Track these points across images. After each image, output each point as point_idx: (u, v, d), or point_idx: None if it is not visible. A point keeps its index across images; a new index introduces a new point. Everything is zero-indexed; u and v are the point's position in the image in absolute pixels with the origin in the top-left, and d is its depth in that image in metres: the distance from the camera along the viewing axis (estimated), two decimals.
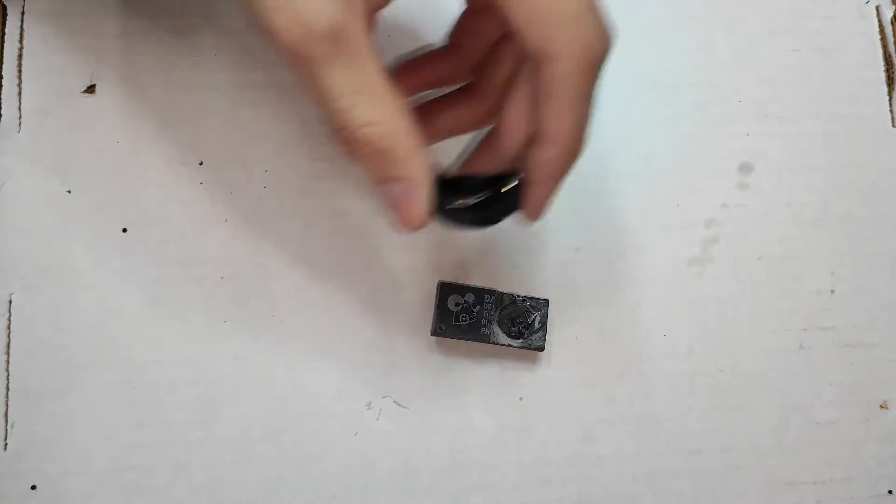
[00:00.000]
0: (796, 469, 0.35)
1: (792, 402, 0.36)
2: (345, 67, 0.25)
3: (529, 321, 0.33)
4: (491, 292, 0.34)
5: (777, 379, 0.36)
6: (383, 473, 0.34)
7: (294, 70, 0.25)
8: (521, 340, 0.33)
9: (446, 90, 0.32)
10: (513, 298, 0.34)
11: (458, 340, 0.34)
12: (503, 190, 0.28)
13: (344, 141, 0.26)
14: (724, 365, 0.36)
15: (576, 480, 0.35)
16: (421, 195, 0.26)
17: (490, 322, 0.33)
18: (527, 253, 0.36)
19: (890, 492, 0.36)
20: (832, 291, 0.37)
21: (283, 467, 0.34)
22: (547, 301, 0.34)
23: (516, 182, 0.28)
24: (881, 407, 0.36)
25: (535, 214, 0.29)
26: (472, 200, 0.28)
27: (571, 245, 0.36)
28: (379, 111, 0.25)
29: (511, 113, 0.28)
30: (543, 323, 0.34)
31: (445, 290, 0.34)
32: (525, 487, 0.34)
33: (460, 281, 0.35)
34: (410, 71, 0.31)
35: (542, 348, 0.34)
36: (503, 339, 0.33)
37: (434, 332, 0.33)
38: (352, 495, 0.34)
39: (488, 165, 0.30)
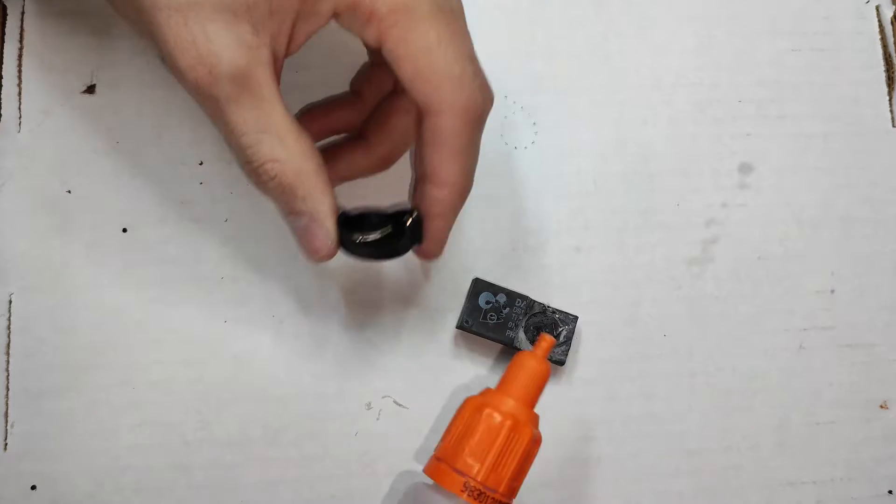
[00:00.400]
0: (796, 469, 0.35)
1: (792, 402, 0.36)
2: (250, 108, 0.26)
3: (556, 333, 0.34)
4: (523, 298, 0.34)
5: (777, 379, 0.36)
6: (383, 473, 0.34)
7: (202, 106, 0.27)
8: None
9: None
10: (543, 308, 0.34)
11: (458, 340, 0.34)
12: (405, 224, 0.29)
13: (251, 173, 0.27)
14: (724, 365, 0.36)
15: (576, 480, 0.35)
16: (324, 230, 0.28)
17: (517, 326, 0.33)
18: (529, 253, 0.36)
19: (890, 492, 0.36)
20: (832, 291, 0.37)
21: (283, 467, 0.34)
22: (576, 317, 0.34)
23: (416, 217, 0.29)
24: (881, 407, 0.36)
25: (434, 246, 0.30)
26: (375, 235, 0.29)
27: (571, 245, 0.36)
28: (283, 150, 0.27)
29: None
30: (568, 338, 0.34)
31: (479, 286, 0.34)
32: (525, 487, 0.34)
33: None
34: (315, 117, 0.33)
35: (562, 363, 0.34)
36: (526, 345, 0.33)
37: (460, 326, 0.33)
38: (352, 495, 0.34)
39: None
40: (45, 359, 0.33)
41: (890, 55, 0.39)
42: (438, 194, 0.29)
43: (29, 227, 0.34)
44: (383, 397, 0.34)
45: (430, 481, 0.30)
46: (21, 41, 0.35)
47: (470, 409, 0.30)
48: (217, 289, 0.34)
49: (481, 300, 0.34)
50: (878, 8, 0.39)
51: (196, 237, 0.35)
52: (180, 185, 0.35)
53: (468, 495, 0.29)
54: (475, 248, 0.36)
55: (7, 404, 0.33)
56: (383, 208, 0.30)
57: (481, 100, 0.28)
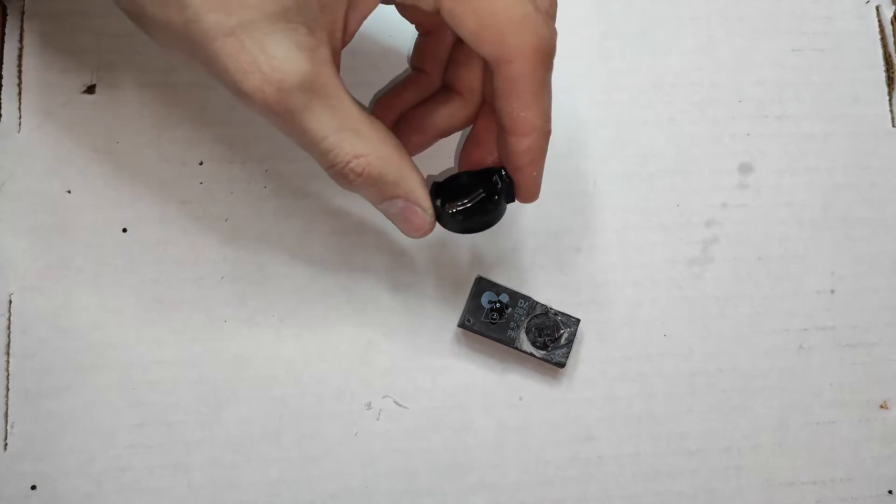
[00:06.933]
0: (796, 469, 0.35)
1: (792, 402, 0.36)
2: (323, 112, 0.26)
3: (557, 335, 0.33)
4: (526, 298, 0.34)
5: (777, 379, 0.36)
6: (383, 473, 0.34)
7: (274, 122, 0.26)
8: (544, 352, 0.33)
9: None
10: (545, 309, 0.34)
11: (459, 339, 0.34)
12: (496, 185, 0.30)
13: (336, 176, 0.27)
14: (724, 365, 0.36)
15: (576, 480, 0.35)
16: (419, 206, 0.28)
17: (518, 327, 0.33)
18: (529, 253, 0.36)
19: (890, 492, 0.36)
20: (832, 291, 0.37)
21: (283, 467, 0.34)
22: (578, 320, 0.34)
23: (505, 176, 0.30)
24: (881, 407, 0.36)
25: (530, 195, 0.30)
26: (467, 202, 0.29)
27: (571, 245, 0.36)
28: (363, 144, 0.27)
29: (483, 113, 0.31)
30: (570, 341, 0.34)
31: (483, 285, 0.34)
32: (525, 487, 0.34)
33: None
34: (389, 105, 0.33)
35: (562, 364, 0.33)
36: (527, 346, 0.33)
37: (462, 325, 0.33)
38: (352, 495, 0.34)
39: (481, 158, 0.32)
40: (45, 359, 0.33)
41: (890, 55, 0.39)
42: (524, 144, 0.28)
43: (29, 227, 0.34)
44: (383, 397, 0.34)
45: None
46: (21, 41, 0.35)
47: None
48: (217, 289, 0.34)
49: (484, 299, 0.34)
50: (878, 8, 0.39)
51: (196, 237, 0.35)
52: (180, 185, 0.35)
53: None
54: (475, 248, 0.36)
55: (7, 404, 0.33)
56: (469, 171, 0.30)
57: (548, 35, 0.27)
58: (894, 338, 0.37)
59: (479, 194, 0.29)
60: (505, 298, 0.34)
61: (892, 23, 0.39)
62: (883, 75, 0.39)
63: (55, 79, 0.35)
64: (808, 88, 0.38)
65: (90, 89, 0.35)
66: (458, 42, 0.31)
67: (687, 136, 0.37)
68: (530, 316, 0.34)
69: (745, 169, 0.37)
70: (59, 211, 0.34)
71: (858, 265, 0.37)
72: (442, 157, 0.36)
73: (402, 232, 0.29)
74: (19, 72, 0.35)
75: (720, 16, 0.39)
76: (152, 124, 0.35)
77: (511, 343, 0.33)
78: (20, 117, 0.35)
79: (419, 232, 0.29)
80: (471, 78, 0.31)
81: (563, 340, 0.34)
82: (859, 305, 0.37)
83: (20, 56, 0.35)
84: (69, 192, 0.35)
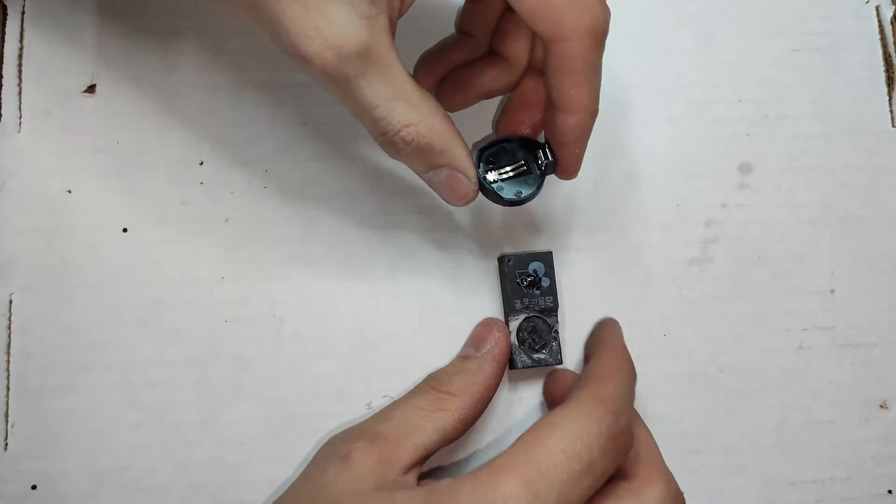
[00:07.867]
0: (796, 469, 0.35)
1: (792, 402, 0.36)
2: (378, 80, 0.26)
3: (537, 345, 0.33)
4: (555, 300, 0.34)
5: (777, 379, 0.36)
6: None
7: (330, 88, 0.27)
8: (539, 356, 0.33)
9: None
10: (553, 324, 0.34)
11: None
12: (538, 159, 0.31)
13: (386, 144, 0.28)
14: (724, 365, 0.36)
15: None
16: (464, 175, 0.29)
17: (524, 309, 0.33)
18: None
19: (890, 492, 0.36)
20: (832, 291, 0.37)
21: (283, 467, 0.34)
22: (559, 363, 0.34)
23: (548, 151, 0.31)
24: (881, 407, 0.36)
25: (571, 171, 0.31)
26: (509, 171, 0.31)
27: (571, 245, 0.36)
28: (414, 113, 0.27)
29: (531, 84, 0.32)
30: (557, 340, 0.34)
31: (545, 257, 0.34)
32: None
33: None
34: (434, 65, 0.34)
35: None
36: (513, 339, 0.33)
37: (501, 257, 0.34)
38: None
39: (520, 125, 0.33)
40: (45, 359, 0.33)
41: (890, 55, 0.39)
42: (571, 121, 0.29)
43: (29, 227, 0.34)
44: (383, 397, 0.34)
45: None
46: (21, 41, 0.35)
47: None
48: (217, 289, 0.34)
49: (532, 266, 0.34)
50: (878, 8, 0.39)
51: (196, 237, 0.35)
52: (180, 185, 0.35)
53: None
54: (477, 250, 0.36)
55: (7, 404, 0.33)
56: (513, 135, 0.31)
57: (603, 17, 0.27)
58: (894, 338, 0.37)
59: (520, 165, 0.31)
60: (545, 282, 0.34)
61: (892, 23, 0.39)
62: (883, 75, 0.39)
63: (55, 79, 0.35)
64: (808, 88, 0.38)
65: (90, 89, 0.35)
66: (508, 10, 0.31)
67: (687, 136, 0.37)
68: (541, 314, 0.33)
69: (745, 169, 0.37)
70: (59, 211, 0.34)
71: (858, 265, 0.37)
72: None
73: (446, 200, 0.30)
74: (19, 72, 0.35)
75: (720, 16, 0.39)
76: (152, 124, 0.35)
77: (507, 314, 0.34)
78: (20, 117, 0.35)
79: (463, 200, 0.30)
80: (518, 46, 0.32)
81: (553, 345, 0.33)
82: (859, 305, 0.37)
83: (20, 56, 0.35)
84: (69, 192, 0.35)
